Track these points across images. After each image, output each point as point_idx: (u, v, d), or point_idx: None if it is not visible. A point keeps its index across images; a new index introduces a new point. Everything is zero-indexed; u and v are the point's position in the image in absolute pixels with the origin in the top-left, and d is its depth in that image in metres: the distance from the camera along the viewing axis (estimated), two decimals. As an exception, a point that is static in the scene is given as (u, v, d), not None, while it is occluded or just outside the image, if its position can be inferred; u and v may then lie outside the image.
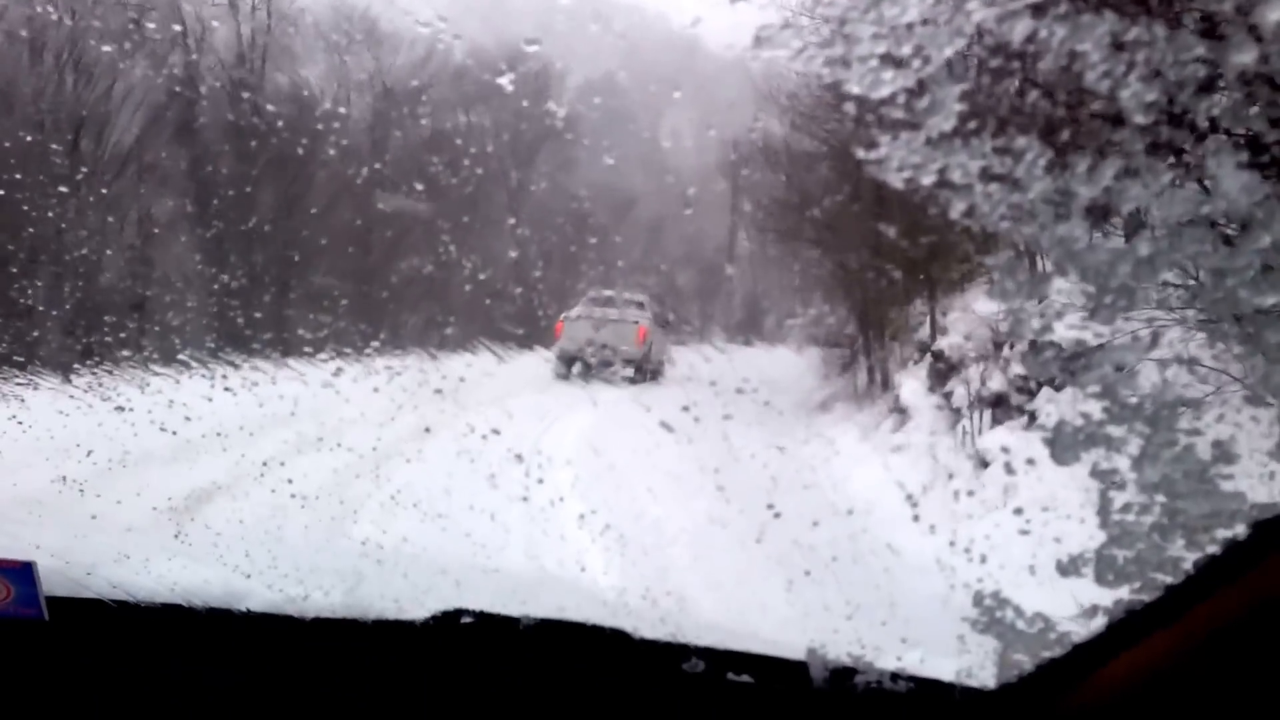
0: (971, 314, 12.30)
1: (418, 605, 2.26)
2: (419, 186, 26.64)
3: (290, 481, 8.19)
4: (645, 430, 8.46)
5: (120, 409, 8.40)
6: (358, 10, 30.07)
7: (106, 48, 21.78)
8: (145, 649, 2.20)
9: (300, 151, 23.19)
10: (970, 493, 7.42)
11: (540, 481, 9.04)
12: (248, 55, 26.62)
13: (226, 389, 9.75)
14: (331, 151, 25.45)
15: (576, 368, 19.45)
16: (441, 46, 31.14)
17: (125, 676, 2.15)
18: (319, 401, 10.81)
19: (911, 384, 13.08)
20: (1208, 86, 1.23)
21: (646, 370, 20.36)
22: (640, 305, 22.24)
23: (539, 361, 18.90)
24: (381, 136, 30.13)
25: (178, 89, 23.42)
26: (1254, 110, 1.29)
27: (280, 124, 24.16)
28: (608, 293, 22.96)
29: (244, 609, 2.26)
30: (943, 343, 12.51)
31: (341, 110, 28.83)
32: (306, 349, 14.25)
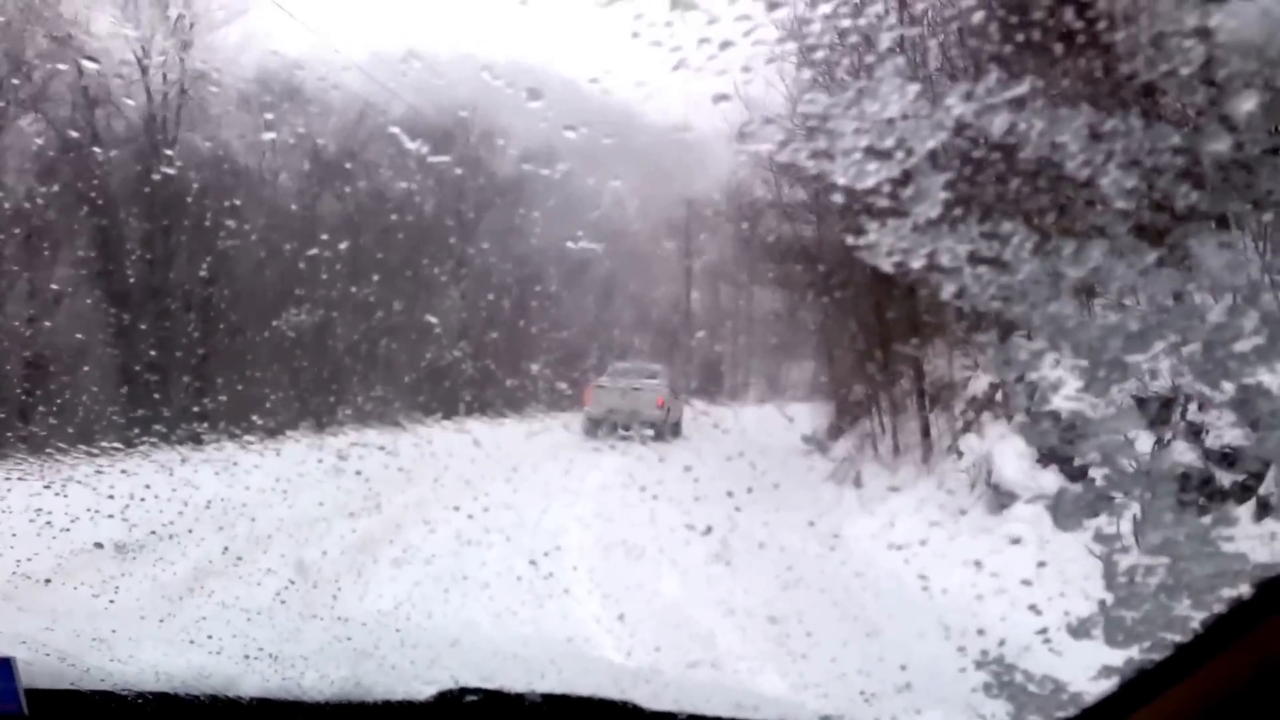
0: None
1: (421, 683, 2.22)
2: (352, 255, 24.92)
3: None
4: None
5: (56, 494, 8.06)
6: (281, 74, 27.39)
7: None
8: None
9: (220, 216, 21.85)
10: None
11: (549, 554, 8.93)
12: (159, 115, 24.58)
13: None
14: (259, 218, 24.53)
15: (604, 429, 21.36)
16: (374, 111, 29.48)
17: None
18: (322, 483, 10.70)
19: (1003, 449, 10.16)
20: (1186, 173, 1.25)
21: (665, 431, 22.18)
22: (656, 375, 24.70)
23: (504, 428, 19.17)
24: (311, 201, 28.27)
25: (78, 149, 21.37)
26: (1232, 194, 1.31)
27: (196, 186, 22.52)
28: (629, 364, 26.20)
29: (241, 695, 2.19)
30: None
31: (267, 174, 27.36)
32: (247, 434, 13.59)
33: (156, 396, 16.44)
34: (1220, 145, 1.23)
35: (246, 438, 13.30)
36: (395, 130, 27.19)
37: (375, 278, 24.30)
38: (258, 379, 19.59)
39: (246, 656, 2.34)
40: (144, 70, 24.36)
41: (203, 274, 22.06)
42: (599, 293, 40.47)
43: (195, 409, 15.79)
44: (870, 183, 1.41)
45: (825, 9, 1.58)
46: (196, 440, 13.17)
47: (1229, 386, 1.40)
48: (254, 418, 14.63)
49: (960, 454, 10.47)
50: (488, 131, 32.17)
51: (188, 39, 24.68)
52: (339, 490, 11.19)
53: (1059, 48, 1.42)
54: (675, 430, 23.14)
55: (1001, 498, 8.29)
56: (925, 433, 13.36)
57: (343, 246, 24.18)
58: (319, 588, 7.31)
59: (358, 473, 11.52)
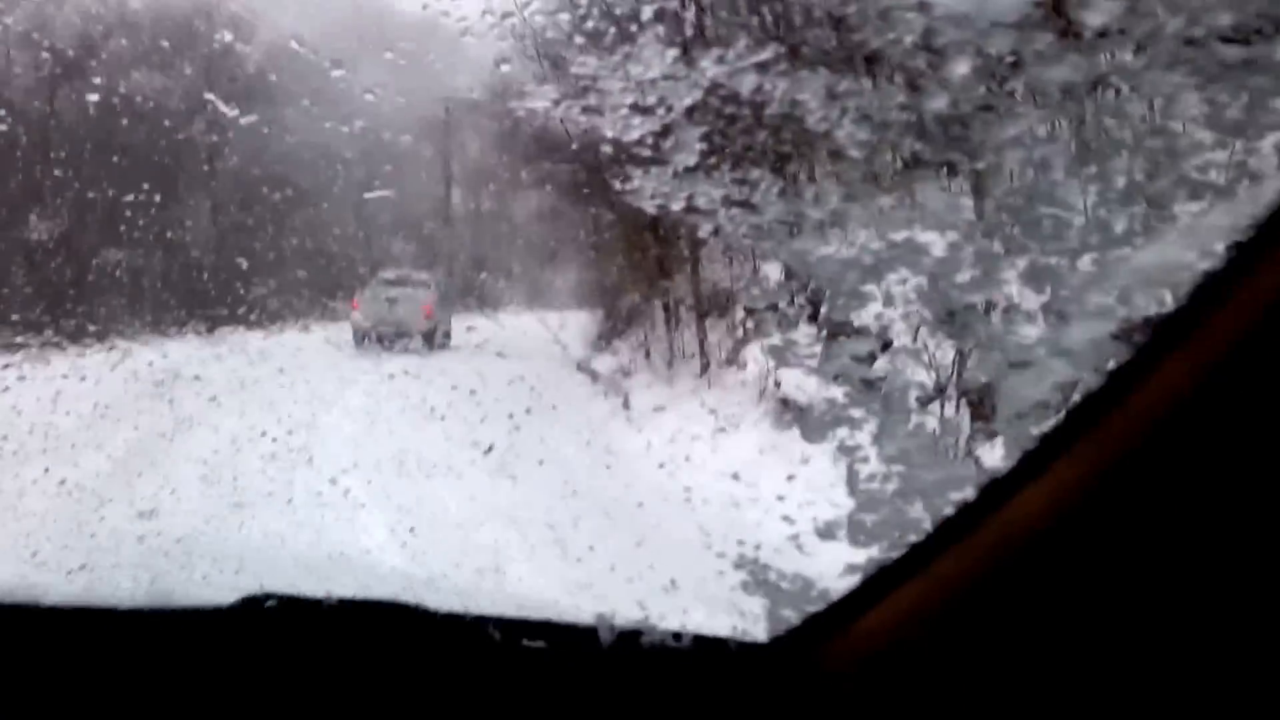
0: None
1: (225, 590, 2.24)
2: (95, 156, 23.06)
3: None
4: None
5: None
6: None
7: None
8: None
9: None
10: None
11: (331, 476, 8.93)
12: None
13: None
14: None
15: (370, 339, 21.03)
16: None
17: None
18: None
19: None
20: (910, 127, 1.39)
21: (434, 340, 21.71)
22: (424, 284, 23.90)
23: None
24: (46, 100, 25.65)
25: None
26: (950, 145, 1.46)
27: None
28: (398, 273, 24.94)
29: (48, 604, 2.19)
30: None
31: None
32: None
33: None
34: (939, 103, 1.38)
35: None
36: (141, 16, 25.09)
37: (122, 183, 21.61)
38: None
39: (62, 567, 2.33)
40: None
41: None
42: (356, 199, 38.50)
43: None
44: (635, 135, 1.52)
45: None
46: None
47: (951, 312, 1.57)
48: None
49: (743, 365, 10.60)
50: (234, 20, 30.23)
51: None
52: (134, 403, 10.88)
53: (799, 19, 1.54)
54: (445, 339, 22.58)
55: (791, 411, 8.39)
56: (702, 343, 13.20)
57: (86, 149, 22.53)
58: (131, 503, 7.19)
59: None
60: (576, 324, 21.84)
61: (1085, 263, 1.39)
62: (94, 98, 24.37)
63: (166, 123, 26.13)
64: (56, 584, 2.28)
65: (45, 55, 24.81)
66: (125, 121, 23.62)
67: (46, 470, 8.02)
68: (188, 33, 27.42)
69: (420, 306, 22.44)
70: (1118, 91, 1.32)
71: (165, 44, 25.75)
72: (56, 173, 21.65)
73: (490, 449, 6.31)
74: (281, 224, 28.40)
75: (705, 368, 12.58)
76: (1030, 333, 1.48)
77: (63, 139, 23.44)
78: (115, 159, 22.39)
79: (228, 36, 29.54)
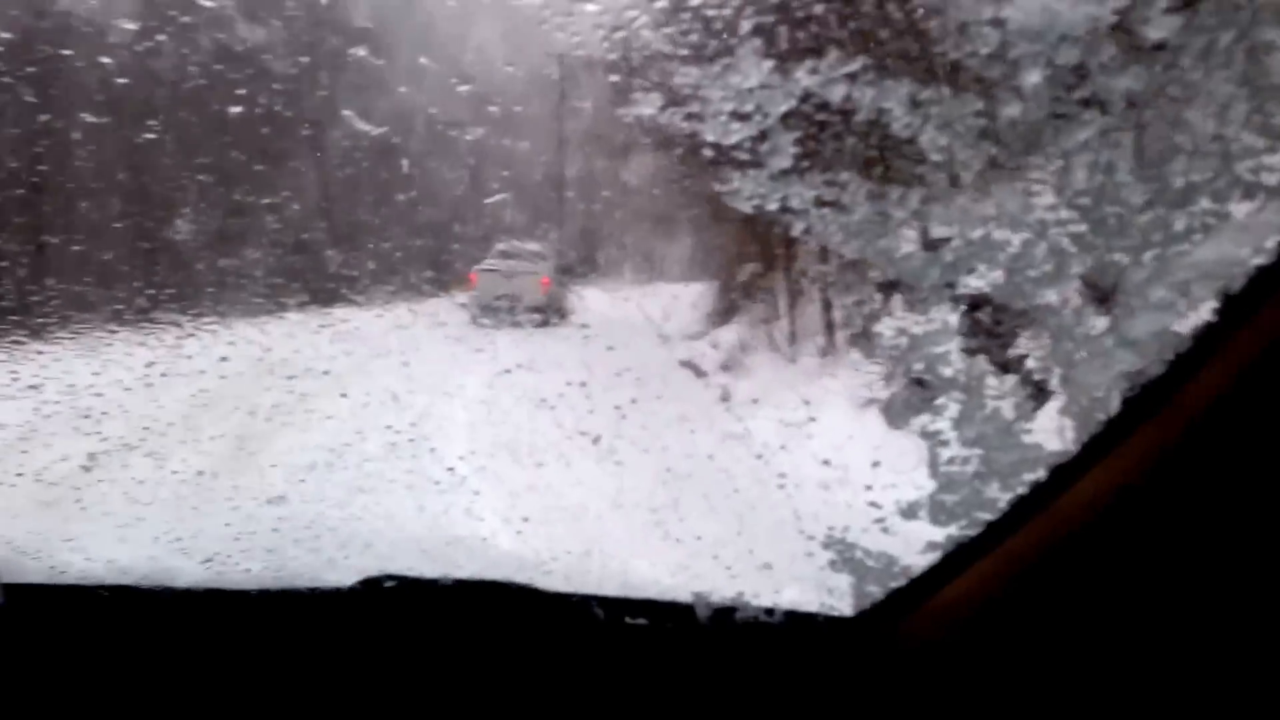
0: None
1: (346, 572, 2.39)
2: (193, 118, 21.90)
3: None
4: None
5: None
6: None
7: None
8: (86, 632, 2.23)
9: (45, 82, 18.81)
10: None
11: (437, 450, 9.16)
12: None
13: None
14: (93, 77, 20.99)
15: (490, 315, 20.85)
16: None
17: (74, 661, 2.18)
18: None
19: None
20: (986, 133, 1.50)
21: (551, 315, 21.75)
22: (543, 256, 23.86)
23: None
24: (138, 51, 25.49)
25: None
26: (1021, 150, 1.57)
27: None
28: (514, 243, 24.46)
29: (180, 586, 2.32)
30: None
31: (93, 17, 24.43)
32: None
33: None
34: (1013, 110, 1.50)
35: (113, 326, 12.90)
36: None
37: (236, 185, 21.90)
38: (102, 266, 18.42)
39: (196, 553, 2.48)
40: None
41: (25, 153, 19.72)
42: (468, 163, 37.32)
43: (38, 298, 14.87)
44: (733, 140, 1.66)
45: (696, 1, 1.82)
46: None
47: (1025, 306, 1.68)
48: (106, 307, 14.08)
49: (872, 339, 10.27)
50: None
51: None
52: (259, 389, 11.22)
53: (884, 33, 1.67)
54: (562, 314, 22.56)
55: (927, 392, 8.25)
56: (828, 320, 12.74)
57: (187, 115, 22.04)
58: (255, 483, 7.50)
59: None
60: (691, 296, 21.53)
61: (1148, 259, 1.49)
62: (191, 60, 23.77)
63: (282, 118, 26.03)
64: (189, 568, 2.40)
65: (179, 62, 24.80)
66: (214, 81, 23.13)
67: (184, 460, 8.38)
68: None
69: (538, 280, 22.32)
70: (1176, 100, 1.42)
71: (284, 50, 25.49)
72: (183, 174, 21.27)
73: (598, 439, 6.49)
74: (391, 192, 28.03)
75: (829, 348, 12.25)
76: (1098, 324, 1.58)
77: (162, 106, 23.01)
78: (238, 160, 22.30)
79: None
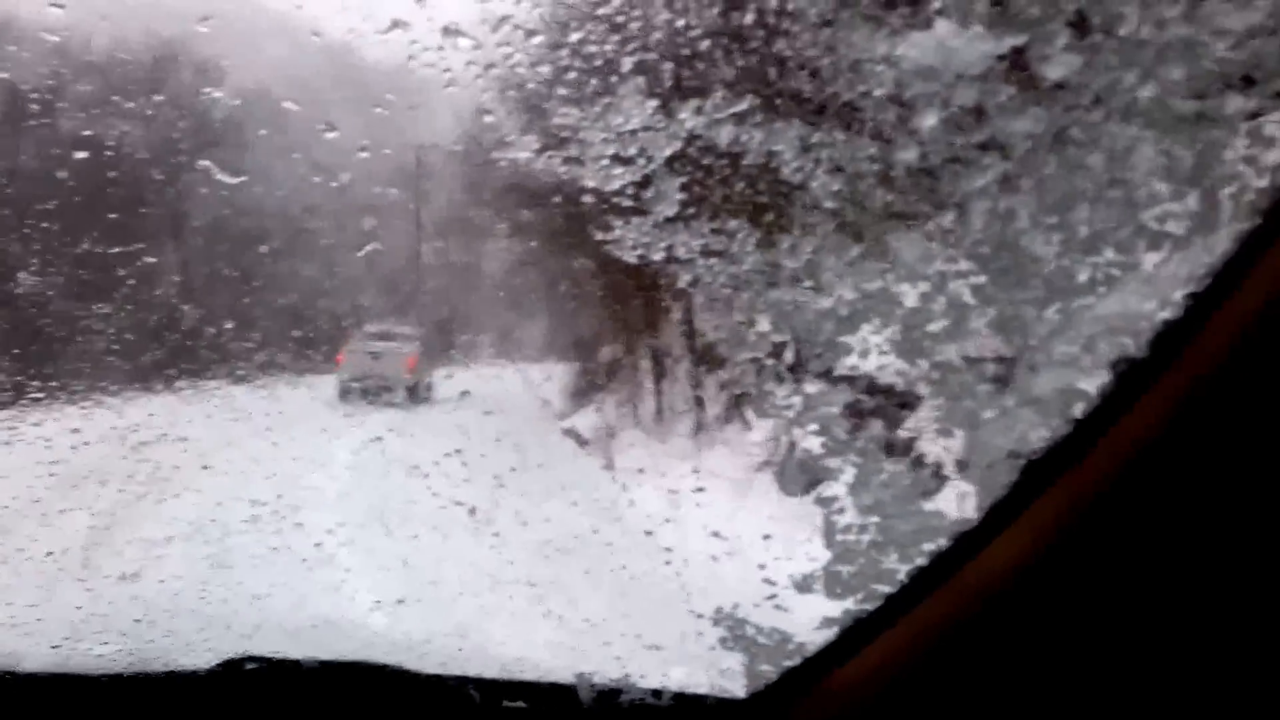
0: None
1: (203, 653, 2.24)
2: (66, 206, 22.80)
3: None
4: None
5: None
6: None
7: None
8: None
9: None
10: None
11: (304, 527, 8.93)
12: None
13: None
14: None
15: (355, 395, 21.38)
16: (77, 43, 26.22)
17: None
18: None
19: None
20: (882, 179, 1.44)
21: (418, 392, 22.19)
22: (409, 337, 24.43)
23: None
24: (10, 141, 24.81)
25: None
26: (917, 197, 1.51)
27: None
28: (381, 327, 25.40)
29: (24, 670, 2.17)
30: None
31: None
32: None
33: None
34: (909, 155, 1.43)
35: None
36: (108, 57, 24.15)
37: (85, 235, 20.84)
38: None
39: (44, 635, 2.32)
40: None
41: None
42: (326, 249, 37.30)
43: None
44: (616, 185, 1.57)
45: (575, 36, 1.74)
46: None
47: (923, 363, 1.60)
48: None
49: (763, 399, 10.29)
50: (201, 68, 29.68)
51: None
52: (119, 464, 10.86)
53: (773, 72, 1.61)
54: (428, 391, 22.98)
55: (807, 473, 7.89)
56: (698, 398, 12.71)
57: (53, 197, 21.77)
58: (108, 561, 7.19)
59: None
60: (557, 376, 21.88)
61: (1051, 312, 1.43)
62: (61, 146, 23.56)
63: (139, 173, 25.67)
64: (36, 652, 2.26)
65: (13, 100, 24.51)
66: (98, 170, 22.93)
67: (33, 539, 8.01)
68: (157, 79, 27.10)
69: (404, 360, 22.75)
70: (1079, 143, 1.37)
71: (134, 89, 25.27)
72: (25, 222, 20.77)
73: (473, 510, 6.35)
74: (258, 277, 27.74)
75: (699, 426, 12.24)
76: (999, 382, 1.51)
77: (30, 187, 22.80)
78: (88, 209, 21.86)
79: (200, 84, 29.21)
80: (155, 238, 26.81)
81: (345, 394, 21.80)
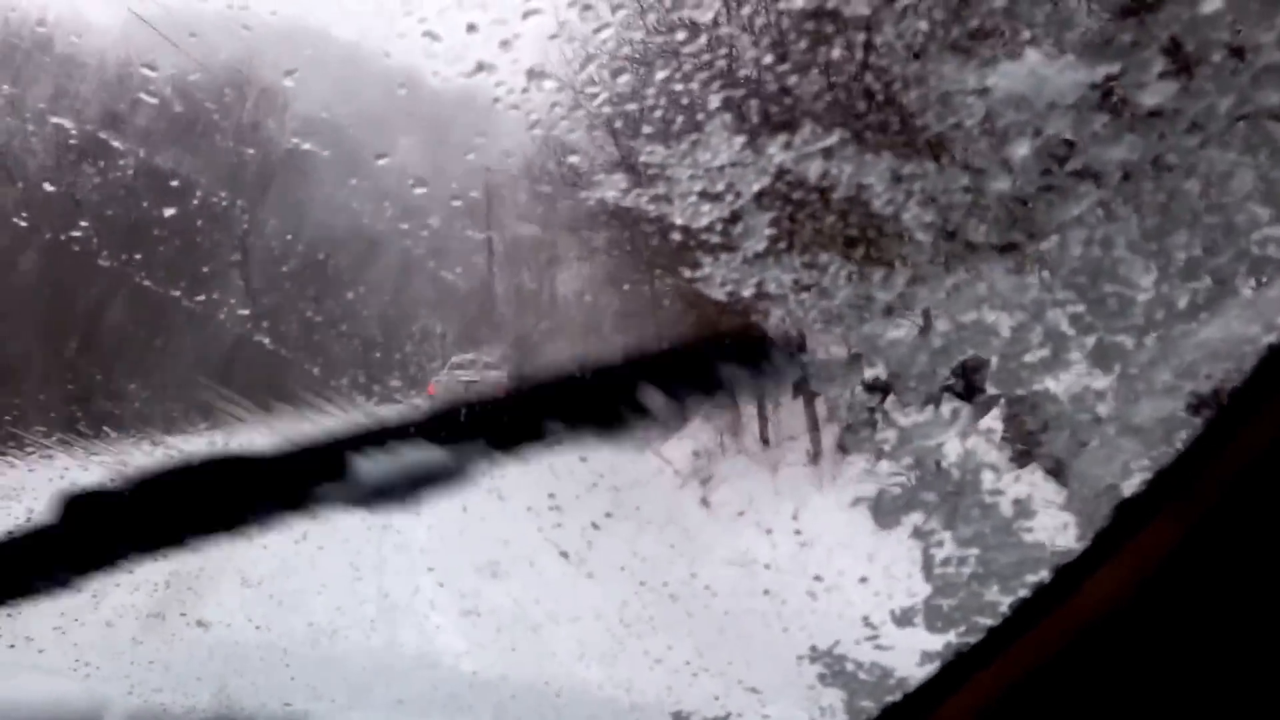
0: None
1: (289, 700, 2.27)
2: (122, 239, 21.84)
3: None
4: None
5: None
6: (22, 30, 24.01)
7: None
8: None
9: None
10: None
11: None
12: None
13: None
14: (6, 199, 22.15)
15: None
16: (134, 71, 24.96)
17: None
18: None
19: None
20: (974, 209, 1.45)
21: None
22: (497, 366, 25.02)
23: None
24: (71, 175, 24.73)
25: None
26: (1011, 227, 1.52)
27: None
28: (469, 356, 26.40)
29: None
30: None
31: (17, 148, 23.85)
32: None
33: None
34: (1001, 185, 1.44)
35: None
36: (166, 88, 24.46)
37: (149, 264, 21.88)
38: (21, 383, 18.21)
39: (113, 679, 2.36)
40: None
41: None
42: (396, 276, 37.96)
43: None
44: (704, 222, 1.60)
45: (662, 75, 1.78)
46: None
47: (1021, 393, 1.60)
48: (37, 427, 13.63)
49: (857, 434, 10.10)
50: (267, 92, 29.54)
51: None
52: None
53: (862, 104, 1.63)
54: None
55: (918, 490, 7.90)
56: (808, 416, 12.32)
57: (111, 230, 21.86)
58: (194, 609, 7.31)
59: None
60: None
61: (1151, 340, 1.43)
62: (119, 176, 24.13)
63: (197, 203, 25.94)
64: (118, 697, 2.29)
65: (66, 132, 24.65)
66: (146, 198, 23.18)
67: (114, 584, 8.14)
68: (218, 108, 27.63)
69: (496, 389, 22.64)
70: (1175, 169, 1.37)
71: (192, 119, 25.52)
72: (81, 257, 21.00)
73: (566, 554, 6.40)
74: (316, 305, 28.24)
75: (794, 461, 11.87)
76: (1100, 411, 1.51)
77: (87, 221, 22.73)
78: (142, 240, 22.11)
79: (257, 110, 29.47)
80: (251, 281, 27.30)
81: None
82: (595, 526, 6.39)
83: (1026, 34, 1.40)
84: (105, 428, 15.88)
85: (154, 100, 24.21)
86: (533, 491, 8.30)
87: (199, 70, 24.56)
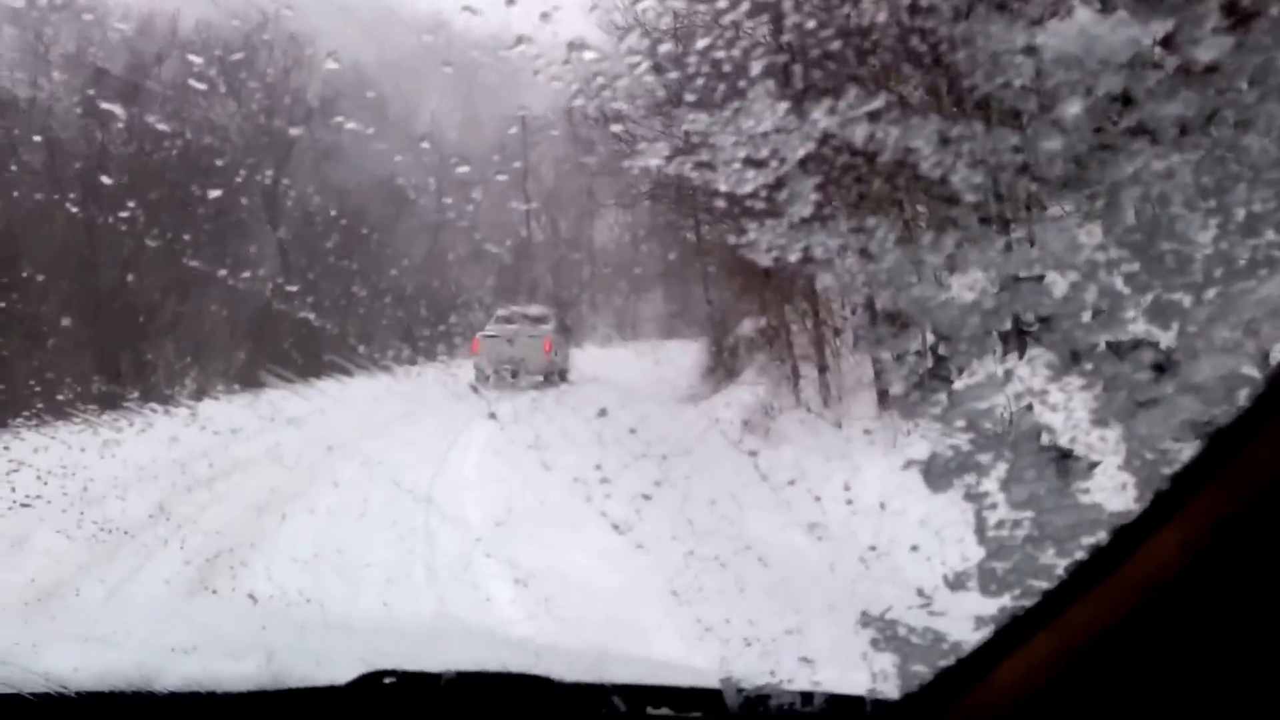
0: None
1: (338, 668, 2.29)
2: (149, 191, 21.66)
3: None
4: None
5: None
6: None
7: None
8: None
9: None
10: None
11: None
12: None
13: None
14: (33, 145, 22.12)
15: (492, 380, 21.57)
16: (161, 19, 25.33)
17: None
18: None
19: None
20: (1024, 169, 1.43)
21: (553, 376, 22.73)
22: (544, 319, 24.75)
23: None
24: (94, 128, 24.41)
25: None
26: (1063, 187, 1.50)
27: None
28: (514, 309, 25.84)
29: (161, 689, 2.21)
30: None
31: (41, 96, 23.50)
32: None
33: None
34: (1053, 144, 1.42)
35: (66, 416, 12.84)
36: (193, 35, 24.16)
37: (179, 221, 22.20)
38: (44, 354, 18.19)
39: (163, 649, 2.38)
40: None
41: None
42: (430, 225, 37.53)
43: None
44: (749, 189, 1.60)
45: (702, 43, 1.77)
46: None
47: (1076, 352, 1.59)
48: (64, 396, 13.87)
49: (908, 395, 9.84)
50: (295, 38, 29.20)
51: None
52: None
53: (908, 68, 1.61)
54: (563, 376, 23.49)
55: (971, 451, 7.79)
56: (856, 378, 12.30)
57: (139, 188, 21.80)
58: (232, 581, 7.44)
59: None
60: (686, 357, 21.77)
61: (1210, 297, 1.41)
62: (141, 134, 23.83)
63: (229, 159, 26.07)
64: (173, 667, 2.28)
65: (97, 83, 24.51)
66: (176, 152, 23.43)
67: (164, 546, 8.33)
68: (247, 57, 27.60)
69: (540, 343, 23.06)
70: (1233, 125, 1.35)
71: (221, 68, 25.47)
72: (108, 218, 21.00)
73: (618, 524, 6.44)
74: (353, 257, 28.37)
75: (859, 407, 11.53)
76: (1158, 369, 1.49)
77: (105, 179, 23.23)
78: (172, 196, 22.11)
79: (285, 55, 29.27)
80: (247, 235, 27.00)
81: (481, 379, 21.97)
82: (646, 497, 6.41)
83: (1077, -10, 1.39)
84: (145, 400, 16.13)
85: (190, 59, 24.17)
86: (580, 461, 8.37)
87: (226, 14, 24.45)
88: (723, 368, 19.81)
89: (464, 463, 13.23)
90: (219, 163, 25.20)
